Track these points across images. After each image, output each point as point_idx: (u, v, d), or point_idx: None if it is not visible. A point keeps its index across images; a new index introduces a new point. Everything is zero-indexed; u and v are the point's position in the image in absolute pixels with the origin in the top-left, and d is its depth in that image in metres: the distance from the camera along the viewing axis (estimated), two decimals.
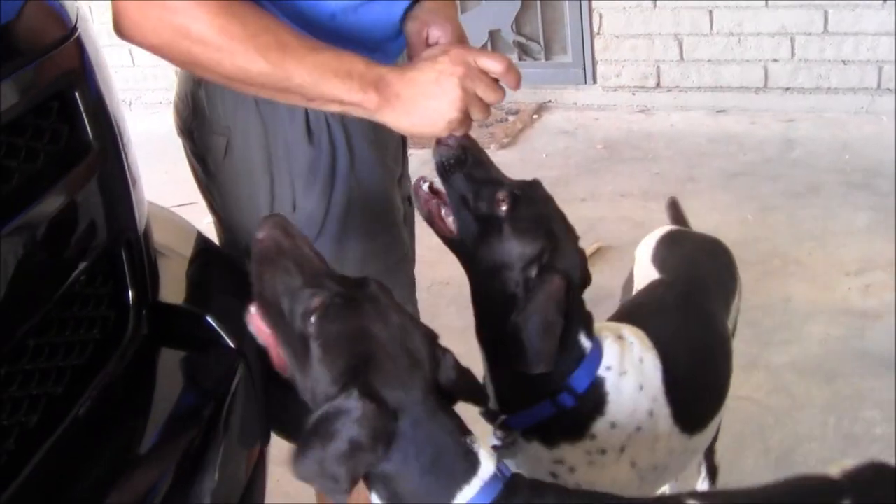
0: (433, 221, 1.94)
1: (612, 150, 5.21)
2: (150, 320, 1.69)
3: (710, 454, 2.72)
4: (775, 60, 5.41)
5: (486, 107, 1.62)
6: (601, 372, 1.85)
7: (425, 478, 1.39)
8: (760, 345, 3.42)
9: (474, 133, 1.80)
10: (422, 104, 1.59)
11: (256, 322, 1.47)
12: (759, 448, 2.98)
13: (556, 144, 5.04)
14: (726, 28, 5.42)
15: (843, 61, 5.33)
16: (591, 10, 5.69)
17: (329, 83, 1.55)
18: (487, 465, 1.42)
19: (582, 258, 1.91)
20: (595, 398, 1.84)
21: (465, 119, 1.62)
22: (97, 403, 1.52)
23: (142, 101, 7.11)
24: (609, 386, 1.85)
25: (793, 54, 5.38)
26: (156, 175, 5.50)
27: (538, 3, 5.78)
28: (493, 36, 6.00)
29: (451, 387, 1.56)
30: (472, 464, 1.42)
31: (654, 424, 1.90)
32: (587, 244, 4.00)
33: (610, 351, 1.87)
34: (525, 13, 5.78)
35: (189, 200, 5.08)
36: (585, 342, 1.84)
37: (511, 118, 5.59)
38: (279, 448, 2.21)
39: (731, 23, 5.41)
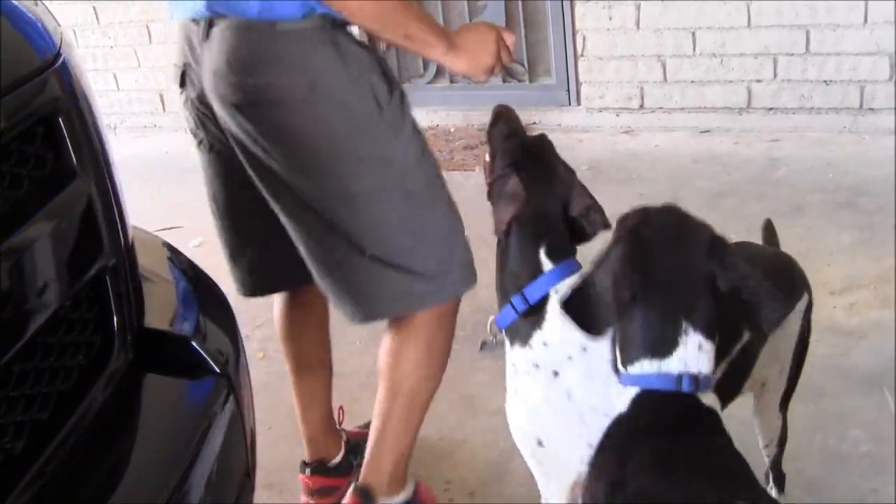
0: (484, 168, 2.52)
1: (596, 171, 5.22)
2: (135, 345, 1.69)
3: (776, 460, 2.72)
4: (758, 81, 5.43)
5: (509, 57, 2.53)
6: (551, 291, 2.14)
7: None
8: None
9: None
10: (472, 53, 2.42)
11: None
12: None
13: None
14: (709, 49, 5.45)
15: (826, 81, 5.36)
16: (574, 33, 5.72)
17: (428, 32, 2.32)
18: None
19: (581, 196, 2.40)
20: (538, 312, 2.15)
21: (497, 64, 2.49)
22: (83, 428, 1.52)
23: (126, 125, 7.12)
24: (550, 305, 2.13)
25: (775, 75, 5.41)
26: (141, 199, 5.53)
27: (522, 25, 5.81)
28: None
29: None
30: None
31: (588, 361, 2.07)
32: None
33: (568, 279, 2.14)
34: (509, 34, 5.79)
35: (175, 224, 5.15)
36: (546, 261, 2.21)
37: None
38: (266, 472, 2.22)
39: (713, 44, 5.44)
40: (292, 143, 2.31)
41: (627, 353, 1.81)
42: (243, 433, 1.73)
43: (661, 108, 5.67)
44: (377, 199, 2.38)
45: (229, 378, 1.68)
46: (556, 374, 2.11)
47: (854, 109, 5.34)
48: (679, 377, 1.75)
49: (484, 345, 3.10)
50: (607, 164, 5.26)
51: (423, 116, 6.17)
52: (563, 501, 2.22)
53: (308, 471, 3.02)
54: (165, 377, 1.72)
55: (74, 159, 1.52)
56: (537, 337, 2.15)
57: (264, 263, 2.81)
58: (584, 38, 5.67)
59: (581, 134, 5.78)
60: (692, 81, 5.56)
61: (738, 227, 4.36)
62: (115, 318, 1.62)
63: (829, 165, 4.96)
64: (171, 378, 1.72)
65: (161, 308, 1.85)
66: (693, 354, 1.76)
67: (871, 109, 5.30)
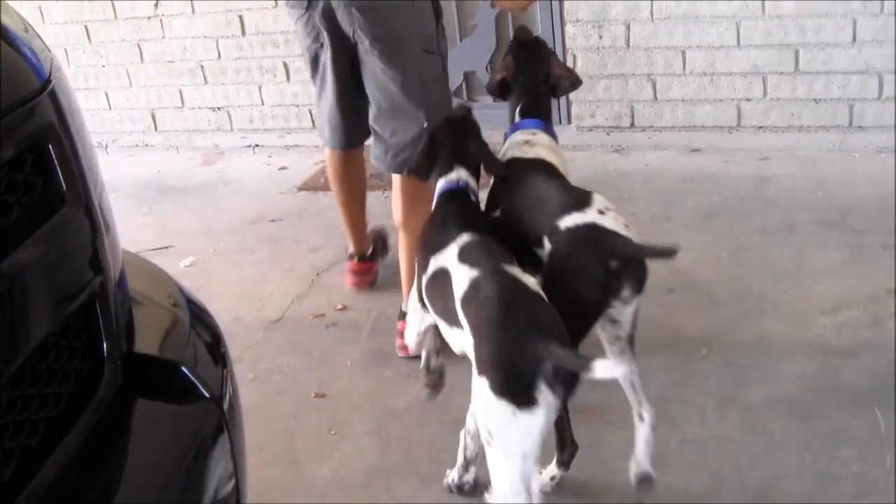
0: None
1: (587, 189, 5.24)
2: (125, 370, 1.69)
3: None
4: (748, 100, 5.45)
5: None
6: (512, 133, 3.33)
7: None
8: (736, 383, 3.43)
9: None
10: None
11: None
12: (736, 486, 2.99)
13: None
14: (699, 68, 5.47)
15: (815, 100, 5.38)
16: (565, 51, 5.73)
17: None
18: None
19: (557, 68, 3.39)
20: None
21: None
22: (72, 454, 1.52)
23: (118, 144, 7.12)
24: (508, 140, 3.38)
25: (765, 93, 5.43)
26: (132, 219, 5.55)
27: None
28: (469, 77, 6.04)
29: None
30: None
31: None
32: None
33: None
34: (500, 55, 5.80)
35: (166, 244, 5.16)
36: (517, 117, 3.34)
37: None
38: (257, 493, 2.22)
39: (703, 63, 5.46)
40: (390, 38, 3.53)
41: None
42: (233, 459, 1.73)
43: (651, 126, 5.68)
44: (434, 83, 3.64)
45: (219, 403, 1.68)
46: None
47: (843, 128, 5.36)
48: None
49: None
50: (598, 182, 5.25)
51: None
52: None
53: (356, 259, 4.53)
54: (155, 402, 1.72)
55: (64, 185, 1.51)
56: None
57: (356, 127, 3.95)
58: (574, 57, 5.68)
59: (572, 152, 5.74)
60: (682, 100, 5.58)
61: (727, 246, 4.40)
62: (104, 345, 1.62)
63: (818, 184, 4.97)
64: (161, 403, 1.72)
65: (151, 333, 1.85)
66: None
67: (861, 128, 5.32)
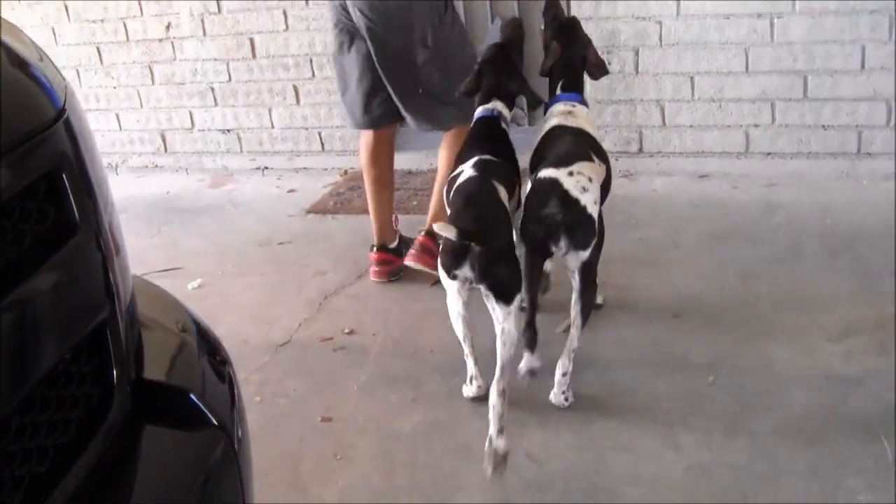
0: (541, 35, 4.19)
1: None
2: (133, 396, 1.69)
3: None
4: (756, 126, 5.47)
5: None
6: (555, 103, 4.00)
7: None
8: (743, 409, 3.43)
9: None
10: None
11: None
12: None
13: None
14: (707, 94, 5.49)
15: (824, 126, 5.39)
16: None
17: None
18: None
19: (591, 55, 4.05)
20: (548, 108, 4.05)
21: None
22: (81, 482, 1.52)
23: (128, 165, 7.16)
24: (552, 109, 4.00)
25: (773, 119, 5.45)
26: (141, 240, 5.57)
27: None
28: None
29: None
30: None
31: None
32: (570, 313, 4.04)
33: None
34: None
35: (175, 266, 5.18)
36: (559, 91, 4.01)
37: None
38: None
39: (712, 89, 5.48)
40: (396, 27, 4.33)
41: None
42: (241, 487, 1.73)
43: (659, 152, 5.70)
44: (432, 64, 4.41)
45: (228, 431, 1.69)
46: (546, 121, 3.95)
47: (852, 154, 5.38)
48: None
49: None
50: (606, 207, 5.27)
51: (423, 159, 6.22)
52: None
53: (375, 249, 4.79)
54: (164, 429, 1.72)
55: (77, 214, 1.52)
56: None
57: (383, 106, 4.58)
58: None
59: None
60: (691, 126, 5.60)
61: (735, 271, 4.40)
62: (114, 371, 1.63)
63: (826, 210, 4.98)
64: (169, 430, 1.72)
65: (160, 358, 1.85)
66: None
67: (869, 154, 5.34)
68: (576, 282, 3.48)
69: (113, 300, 1.63)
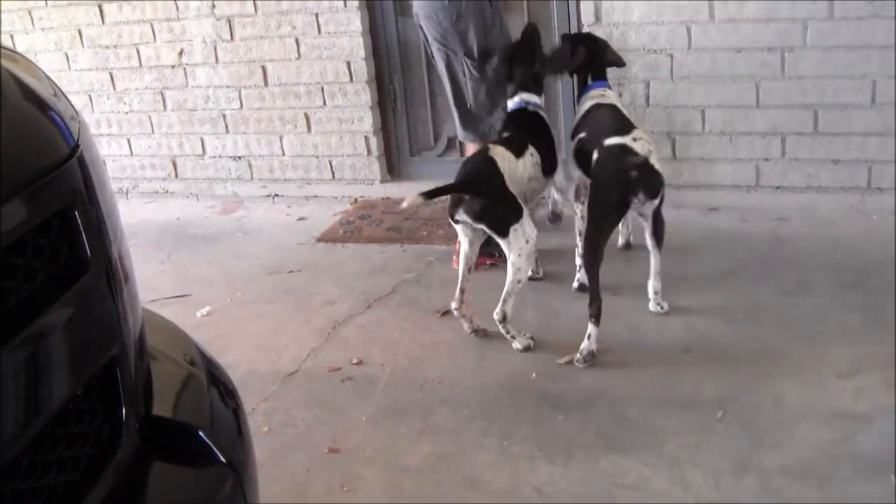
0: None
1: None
2: (142, 433, 1.69)
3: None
4: (766, 159, 5.47)
5: None
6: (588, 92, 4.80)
7: None
8: (751, 446, 3.41)
9: None
10: None
11: None
12: None
13: (549, 241, 5.06)
14: (718, 127, 5.50)
15: (834, 160, 5.40)
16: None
17: None
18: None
19: (609, 53, 4.87)
20: (582, 95, 4.87)
21: None
22: None
23: (139, 190, 7.18)
24: (585, 96, 4.79)
25: (784, 153, 5.46)
26: (151, 266, 5.58)
27: None
28: None
29: None
30: None
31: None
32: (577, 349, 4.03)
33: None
34: None
35: (184, 292, 5.18)
36: (589, 80, 4.81)
37: None
38: None
39: (722, 122, 5.49)
40: (450, 37, 5.00)
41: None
42: None
43: (669, 184, 5.65)
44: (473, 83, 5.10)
45: (236, 468, 1.68)
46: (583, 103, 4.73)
47: (861, 189, 5.38)
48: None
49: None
50: (615, 238, 5.27)
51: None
52: None
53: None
54: (172, 466, 1.72)
55: (89, 251, 1.53)
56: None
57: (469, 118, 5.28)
58: None
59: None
60: (701, 159, 5.60)
61: (744, 306, 4.40)
62: (123, 408, 1.63)
63: (836, 245, 4.98)
64: (177, 467, 1.72)
65: (168, 393, 1.86)
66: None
67: (879, 189, 5.34)
68: (649, 223, 4.34)
69: (123, 337, 1.64)
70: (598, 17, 5.59)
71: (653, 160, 4.08)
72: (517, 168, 4.38)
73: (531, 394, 3.86)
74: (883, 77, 5.15)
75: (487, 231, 4.23)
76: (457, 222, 4.28)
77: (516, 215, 4.17)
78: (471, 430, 3.66)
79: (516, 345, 4.23)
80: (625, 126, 4.32)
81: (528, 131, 4.65)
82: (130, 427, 1.65)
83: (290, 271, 5.42)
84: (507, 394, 3.88)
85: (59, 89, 1.77)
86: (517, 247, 4.14)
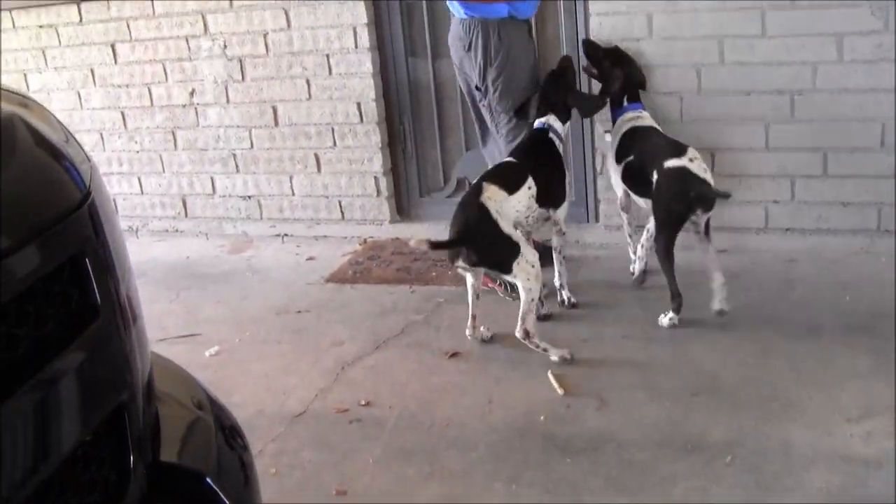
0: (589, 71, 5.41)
1: (613, 287, 5.25)
2: (149, 479, 1.69)
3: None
4: (776, 202, 5.48)
5: None
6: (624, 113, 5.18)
7: None
8: (760, 491, 3.39)
9: None
10: None
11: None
12: None
13: (558, 283, 5.07)
14: (727, 169, 5.50)
15: (843, 203, 5.40)
16: (593, 151, 5.80)
17: None
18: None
19: (642, 75, 5.36)
20: (618, 117, 5.24)
21: None
22: None
23: (148, 229, 7.20)
24: (622, 117, 5.19)
25: (793, 196, 5.46)
26: (160, 304, 5.60)
27: None
28: None
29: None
30: None
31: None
32: (589, 392, 4.04)
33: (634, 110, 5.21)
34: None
35: (192, 331, 5.19)
36: (625, 102, 5.20)
37: None
38: None
39: (732, 164, 5.49)
40: (466, 64, 5.30)
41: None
42: None
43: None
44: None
45: None
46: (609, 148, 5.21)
47: (871, 231, 5.38)
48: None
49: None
50: (625, 281, 5.28)
51: (443, 230, 6.23)
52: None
53: None
54: None
55: (99, 298, 1.53)
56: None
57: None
58: (602, 157, 5.74)
59: (599, 251, 5.82)
60: None
61: (753, 349, 4.39)
62: (131, 455, 1.62)
63: (845, 287, 4.97)
64: None
65: (175, 438, 1.86)
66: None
67: (888, 231, 5.33)
68: (701, 229, 4.77)
69: (131, 383, 1.64)
70: None
71: (709, 178, 4.60)
72: (511, 205, 4.57)
73: (539, 436, 3.85)
74: (891, 120, 5.15)
75: (490, 273, 4.66)
76: (457, 267, 4.55)
77: (514, 253, 4.38)
78: (479, 474, 3.65)
79: (553, 356, 4.42)
80: (678, 148, 4.70)
81: (536, 159, 4.84)
82: (138, 474, 1.65)
83: (299, 311, 5.43)
84: (515, 436, 3.87)
85: (71, 134, 1.78)
86: (524, 277, 4.38)
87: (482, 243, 4.42)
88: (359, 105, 6.32)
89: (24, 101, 1.72)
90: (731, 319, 4.71)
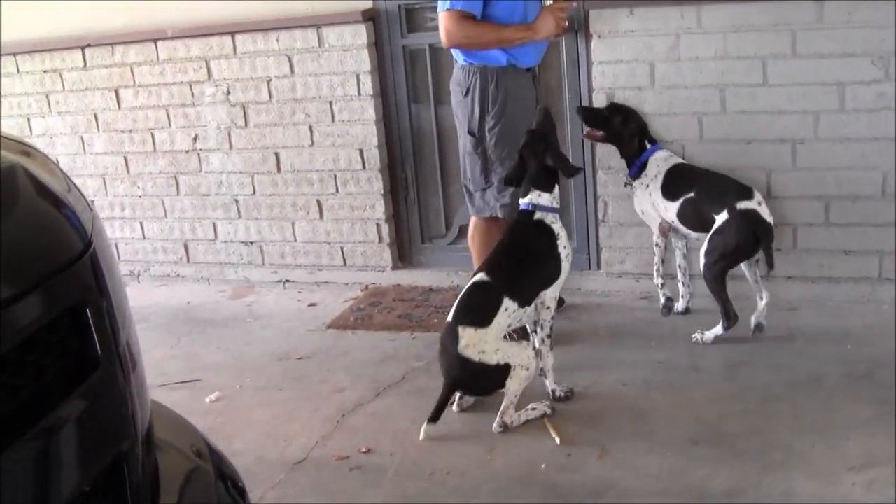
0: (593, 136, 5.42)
1: (615, 336, 5.24)
2: None
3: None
4: (778, 250, 5.47)
5: (563, 21, 5.11)
6: (651, 157, 5.29)
7: None
8: None
9: None
10: (542, 27, 5.01)
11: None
12: None
13: (558, 331, 5.06)
14: None
15: (845, 251, 5.40)
16: (596, 198, 5.81)
17: (518, 34, 4.98)
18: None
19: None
20: (644, 165, 5.30)
21: (558, 26, 5.07)
22: None
23: (150, 274, 7.21)
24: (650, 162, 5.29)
25: (795, 244, 5.46)
26: (161, 350, 5.59)
27: None
28: None
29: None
30: None
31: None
32: (590, 440, 4.02)
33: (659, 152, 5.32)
34: None
35: (193, 377, 5.18)
36: (647, 144, 5.31)
37: None
38: None
39: None
40: (459, 109, 5.28)
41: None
42: None
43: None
44: (470, 156, 5.31)
45: None
46: (646, 186, 5.24)
47: (873, 279, 5.38)
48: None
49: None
50: (626, 329, 5.28)
51: (444, 277, 6.25)
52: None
53: None
54: None
55: (99, 350, 1.53)
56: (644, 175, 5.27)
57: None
58: (605, 204, 5.76)
59: (601, 298, 5.82)
60: None
61: (754, 397, 4.37)
62: None
63: (847, 335, 4.96)
64: None
65: (175, 488, 1.85)
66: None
67: (889, 279, 5.33)
68: (753, 270, 5.13)
69: (132, 431, 1.64)
70: None
71: (772, 221, 4.94)
72: (492, 334, 4.25)
73: (540, 485, 3.83)
74: (892, 169, 5.17)
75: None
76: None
77: (504, 375, 4.25)
78: None
79: (539, 412, 4.39)
80: (747, 190, 4.98)
81: (515, 264, 4.45)
82: None
83: (300, 358, 5.42)
84: (516, 484, 3.85)
85: (73, 183, 1.79)
86: (516, 384, 4.27)
87: (475, 386, 4.40)
88: (361, 151, 6.34)
89: (27, 149, 1.72)
90: (732, 367, 4.71)
